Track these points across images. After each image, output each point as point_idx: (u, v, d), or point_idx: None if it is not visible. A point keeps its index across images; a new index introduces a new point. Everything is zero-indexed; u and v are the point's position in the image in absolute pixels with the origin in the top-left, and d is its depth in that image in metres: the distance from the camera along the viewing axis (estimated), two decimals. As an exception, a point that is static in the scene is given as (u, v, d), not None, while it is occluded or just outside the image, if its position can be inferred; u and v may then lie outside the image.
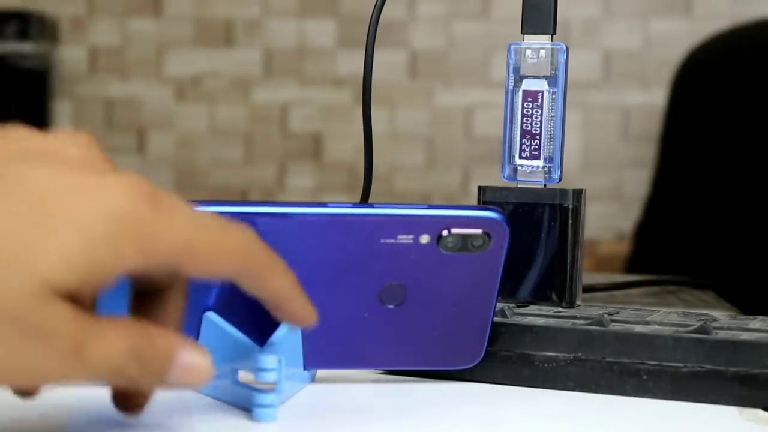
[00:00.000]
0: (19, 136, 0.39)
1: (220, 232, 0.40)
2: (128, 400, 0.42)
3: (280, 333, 0.45)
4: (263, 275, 0.41)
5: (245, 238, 0.41)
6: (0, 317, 0.35)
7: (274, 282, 0.41)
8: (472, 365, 0.50)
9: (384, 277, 0.48)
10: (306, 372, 0.49)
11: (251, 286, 0.41)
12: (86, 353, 0.37)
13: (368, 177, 0.63)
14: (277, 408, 0.44)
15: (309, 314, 0.42)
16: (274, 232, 0.45)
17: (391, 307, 0.48)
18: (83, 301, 0.37)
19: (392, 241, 0.47)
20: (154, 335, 0.39)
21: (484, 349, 0.50)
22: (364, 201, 0.63)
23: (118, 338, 0.38)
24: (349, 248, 0.47)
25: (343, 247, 0.47)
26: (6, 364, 0.36)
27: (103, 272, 0.37)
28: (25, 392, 0.40)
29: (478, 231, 0.47)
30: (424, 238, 0.47)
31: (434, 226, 0.47)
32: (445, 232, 0.47)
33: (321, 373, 0.51)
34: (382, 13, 0.62)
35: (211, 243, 0.39)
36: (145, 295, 0.42)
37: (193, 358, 0.40)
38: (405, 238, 0.47)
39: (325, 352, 0.49)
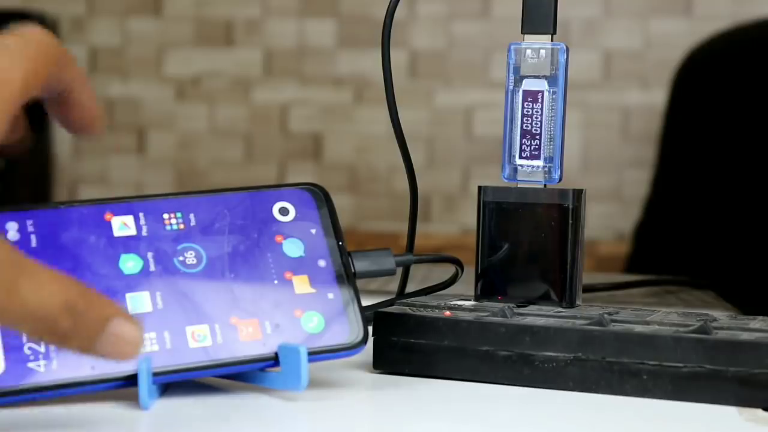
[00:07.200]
0: None
1: None
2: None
3: None
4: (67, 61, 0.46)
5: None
6: None
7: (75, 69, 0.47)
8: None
9: None
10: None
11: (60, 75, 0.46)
12: (20, 291, 0.37)
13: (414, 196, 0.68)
14: None
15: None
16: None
17: None
18: None
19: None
20: (92, 296, 0.39)
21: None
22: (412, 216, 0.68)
23: (55, 287, 0.38)
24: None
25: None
26: None
27: None
28: None
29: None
30: None
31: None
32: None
33: (315, 373, 0.50)
34: (383, 12, 0.62)
35: None
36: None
37: (126, 328, 0.39)
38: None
39: None
